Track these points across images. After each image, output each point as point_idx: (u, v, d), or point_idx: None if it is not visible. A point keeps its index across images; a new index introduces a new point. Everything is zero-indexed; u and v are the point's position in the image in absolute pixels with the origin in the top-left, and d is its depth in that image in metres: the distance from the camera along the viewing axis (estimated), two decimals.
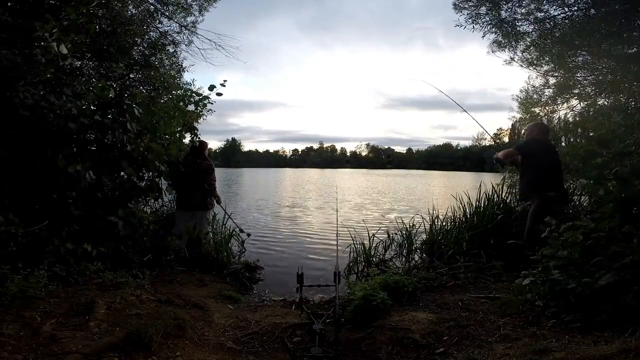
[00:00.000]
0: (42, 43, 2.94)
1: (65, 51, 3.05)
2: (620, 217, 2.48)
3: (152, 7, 7.41)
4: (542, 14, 6.34)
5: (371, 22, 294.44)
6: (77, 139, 3.36)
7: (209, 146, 4.84)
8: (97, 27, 5.90)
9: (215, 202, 4.82)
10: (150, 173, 3.93)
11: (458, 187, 7.79)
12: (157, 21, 7.63)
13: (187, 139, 4.62)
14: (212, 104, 4.76)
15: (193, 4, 7.82)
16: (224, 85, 4.62)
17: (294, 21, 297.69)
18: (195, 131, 4.62)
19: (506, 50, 6.93)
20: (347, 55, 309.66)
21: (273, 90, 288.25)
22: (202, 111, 4.78)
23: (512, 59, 7.15)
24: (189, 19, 7.93)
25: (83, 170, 3.11)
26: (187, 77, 8.76)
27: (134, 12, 7.07)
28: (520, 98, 8.29)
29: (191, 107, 4.68)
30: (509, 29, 6.49)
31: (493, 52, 6.96)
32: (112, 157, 3.51)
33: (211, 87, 4.58)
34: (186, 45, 7.98)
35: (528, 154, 3.69)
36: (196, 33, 7.94)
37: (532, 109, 8.00)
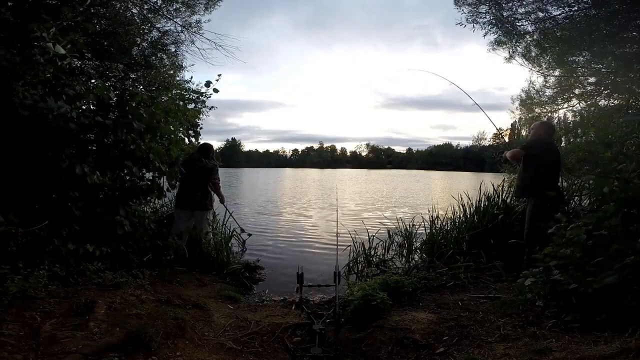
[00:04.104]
0: (40, 43, 2.93)
1: (62, 51, 3.04)
2: (622, 216, 2.47)
3: (153, 6, 7.41)
4: (543, 13, 6.34)
5: (368, 21, 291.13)
6: (77, 139, 3.36)
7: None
8: (97, 26, 5.90)
9: (216, 202, 4.87)
10: (152, 173, 3.93)
11: (459, 188, 7.78)
12: (159, 20, 7.62)
13: (188, 138, 4.64)
14: (208, 97, 4.86)
15: (199, 2, 7.83)
16: (218, 80, 4.65)
17: (290, 19, 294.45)
18: (197, 129, 4.64)
19: (506, 47, 6.95)
20: (345, 55, 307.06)
21: (271, 90, 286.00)
22: (202, 108, 4.83)
23: (512, 57, 7.17)
24: (193, 17, 7.94)
25: (88, 169, 3.13)
26: (187, 76, 8.74)
27: (134, 11, 7.07)
28: (521, 98, 8.32)
29: (191, 106, 4.72)
30: (510, 27, 6.49)
31: (494, 49, 6.97)
32: (113, 156, 3.50)
33: (207, 84, 4.63)
34: (187, 45, 7.99)
35: (535, 154, 3.70)
36: (197, 33, 7.95)
37: (533, 109, 8.03)
